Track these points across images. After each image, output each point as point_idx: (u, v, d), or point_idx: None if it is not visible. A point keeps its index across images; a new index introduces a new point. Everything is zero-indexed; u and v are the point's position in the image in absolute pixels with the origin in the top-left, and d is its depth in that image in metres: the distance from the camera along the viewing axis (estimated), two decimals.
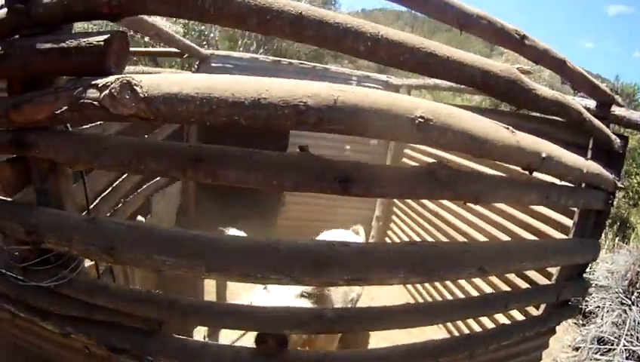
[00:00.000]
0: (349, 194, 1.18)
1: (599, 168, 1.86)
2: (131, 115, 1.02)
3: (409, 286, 4.29)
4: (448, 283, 3.64)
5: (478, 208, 3.31)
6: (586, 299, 3.84)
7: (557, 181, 1.81)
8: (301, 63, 5.32)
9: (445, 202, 3.66)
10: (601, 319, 3.78)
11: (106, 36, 1.01)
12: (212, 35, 10.92)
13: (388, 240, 4.98)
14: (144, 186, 3.57)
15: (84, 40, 1.01)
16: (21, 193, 1.30)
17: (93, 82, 1.03)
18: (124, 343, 1.49)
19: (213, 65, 4.87)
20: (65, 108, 1.05)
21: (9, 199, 1.29)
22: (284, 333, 1.49)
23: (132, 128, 2.68)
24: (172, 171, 1.17)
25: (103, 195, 2.58)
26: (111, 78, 1.01)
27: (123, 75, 1.00)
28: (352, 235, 3.29)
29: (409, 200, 4.50)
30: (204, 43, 10.29)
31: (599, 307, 3.91)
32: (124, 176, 2.93)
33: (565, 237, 2.41)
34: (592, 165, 1.82)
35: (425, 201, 4.12)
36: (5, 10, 1.00)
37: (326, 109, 1.01)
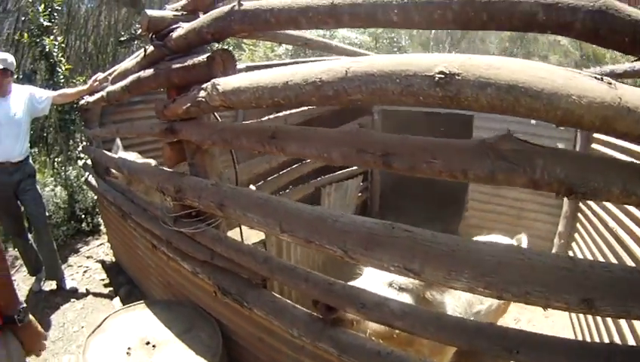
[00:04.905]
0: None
1: None
2: (219, 105, 1.48)
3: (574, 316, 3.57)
4: None
5: None
6: None
7: None
8: None
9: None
10: None
11: (208, 54, 1.51)
12: (403, 43, 11.63)
13: None
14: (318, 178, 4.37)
15: (197, 59, 1.53)
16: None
17: (203, 86, 1.54)
18: (231, 288, 1.97)
19: None
20: (189, 105, 1.61)
21: (169, 169, 1.97)
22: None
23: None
24: (256, 145, 1.53)
25: (267, 179, 3.47)
26: (209, 83, 1.50)
27: (214, 80, 1.47)
28: (509, 241, 2.97)
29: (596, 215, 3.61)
30: (395, 50, 10.94)
31: None
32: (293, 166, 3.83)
33: None
34: None
35: (614, 216, 3.14)
36: (152, 47, 1.64)
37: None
